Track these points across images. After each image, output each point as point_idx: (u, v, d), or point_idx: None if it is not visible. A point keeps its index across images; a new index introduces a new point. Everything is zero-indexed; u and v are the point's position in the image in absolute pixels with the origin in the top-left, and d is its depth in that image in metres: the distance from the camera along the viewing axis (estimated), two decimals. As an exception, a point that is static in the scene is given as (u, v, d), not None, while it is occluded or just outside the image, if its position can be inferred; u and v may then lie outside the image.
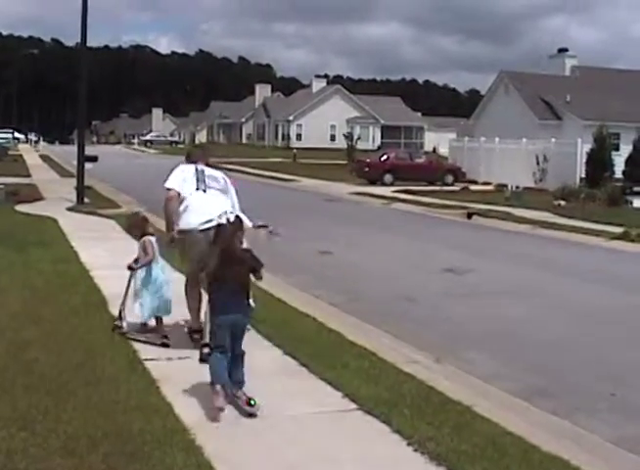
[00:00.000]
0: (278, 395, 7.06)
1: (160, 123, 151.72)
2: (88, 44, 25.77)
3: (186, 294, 8.76)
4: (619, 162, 39.18)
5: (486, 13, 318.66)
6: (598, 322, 11.54)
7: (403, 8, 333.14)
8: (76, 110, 25.91)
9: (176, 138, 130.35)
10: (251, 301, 7.10)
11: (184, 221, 8.31)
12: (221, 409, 6.37)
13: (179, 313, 9.01)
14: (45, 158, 60.61)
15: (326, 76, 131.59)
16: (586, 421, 7.11)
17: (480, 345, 9.86)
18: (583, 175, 37.78)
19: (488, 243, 20.81)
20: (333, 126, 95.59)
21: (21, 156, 59.62)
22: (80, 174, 24.63)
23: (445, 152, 58.97)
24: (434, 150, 79.94)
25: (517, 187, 34.75)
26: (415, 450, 5.85)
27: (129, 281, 8.88)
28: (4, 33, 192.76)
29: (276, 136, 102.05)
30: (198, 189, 8.44)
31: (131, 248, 9.88)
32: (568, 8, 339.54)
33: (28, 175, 37.62)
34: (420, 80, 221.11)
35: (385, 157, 44.02)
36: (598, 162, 37.27)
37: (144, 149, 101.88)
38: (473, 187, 39.24)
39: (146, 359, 7.89)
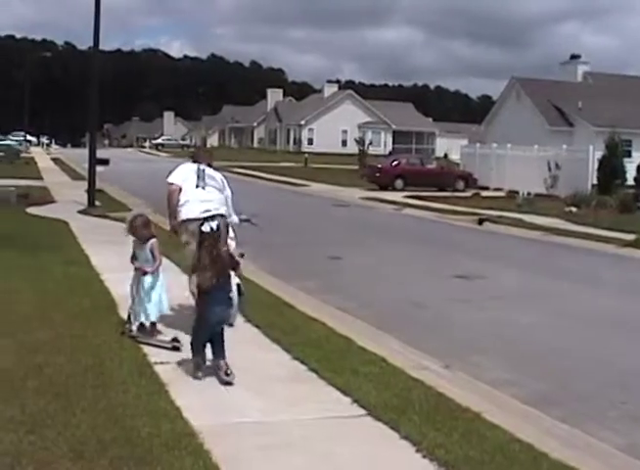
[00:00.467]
0: (286, 399, 7.05)
1: (172, 127, 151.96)
2: (101, 47, 25.87)
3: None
4: (631, 168, 39.16)
5: (499, 19, 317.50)
6: (609, 329, 11.49)
7: (416, 13, 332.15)
8: (88, 113, 25.99)
9: (188, 142, 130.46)
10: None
11: (184, 213, 9.11)
12: (198, 379, 7.52)
13: (188, 314, 9.02)
14: (57, 160, 60.78)
15: (338, 81, 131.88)
16: (596, 429, 7.07)
17: (490, 351, 9.83)
18: (595, 182, 37.70)
19: (499, 249, 20.77)
20: (344, 131, 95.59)
21: (32, 158, 59.83)
22: (92, 177, 24.69)
23: (457, 158, 58.88)
24: (446, 156, 79.68)
25: (528, 193, 34.70)
26: (424, 457, 5.83)
27: (137, 284, 8.88)
28: (18, 36, 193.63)
29: (287, 141, 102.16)
30: (197, 186, 9.21)
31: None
32: (580, 14, 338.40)
33: (40, 178, 37.73)
34: (431, 86, 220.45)
35: (396, 162, 44.01)
36: (610, 168, 37.21)
37: (155, 152, 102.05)
38: (484, 193, 39.14)
39: (155, 363, 7.88)
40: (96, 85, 24.99)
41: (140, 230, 8.95)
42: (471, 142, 57.23)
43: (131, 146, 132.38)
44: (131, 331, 8.79)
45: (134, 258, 9.02)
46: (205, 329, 7.67)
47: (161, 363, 7.90)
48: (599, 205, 30.33)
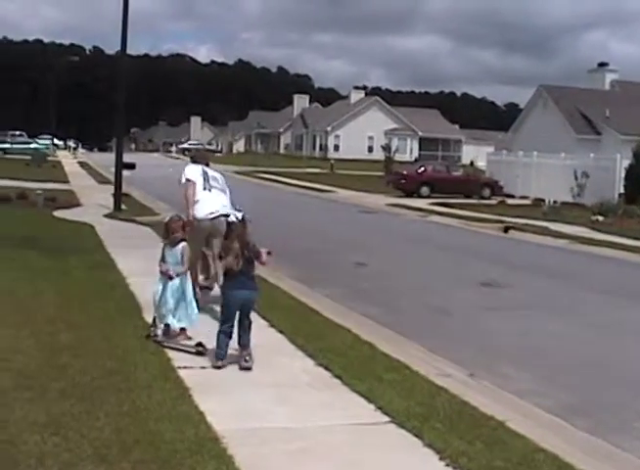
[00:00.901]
0: (310, 405, 7.04)
1: (199, 132, 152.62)
2: (128, 52, 26.04)
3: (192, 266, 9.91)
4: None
5: (526, 26, 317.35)
6: (636, 340, 11.40)
7: (443, 20, 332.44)
8: (115, 117, 26.15)
9: (214, 147, 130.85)
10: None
11: (194, 211, 10.56)
12: (218, 368, 8.00)
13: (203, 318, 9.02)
14: (83, 164, 61.11)
15: (364, 88, 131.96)
16: (622, 440, 7.00)
17: (515, 360, 9.76)
18: (622, 191, 37.43)
19: (525, 257, 20.66)
20: (370, 138, 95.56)
21: (59, 162, 60.30)
22: (118, 181, 24.81)
23: (483, 165, 58.66)
24: (472, 163, 79.51)
25: (554, 202, 34.53)
26: (447, 465, 5.79)
27: (163, 288, 8.88)
28: (46, 41, 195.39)
29: (314, 147, 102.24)
30: (205, 189, 10.77)
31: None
32: (608, 22, 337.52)
33: (66, 181, 37.97)
34: (458, 93, 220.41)
35: (422, 169, 43.91)
36: (637, 177, 36.86)
37: (182, 157, 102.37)
38: (510, 201, 38.98)
39: (179, 367, 7.88)
40: (123, 89, 25.15)
41: (175, 232, 9.03)
42: (497, 149, 57.06)
43: (157, 150, 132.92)
44: (156, 335, 8.80)
45: (163, 259, 9.04)
46: (230, 311, 8.17)
47: (186, 368, 7.90)
48: (625, 214, 30.10)
